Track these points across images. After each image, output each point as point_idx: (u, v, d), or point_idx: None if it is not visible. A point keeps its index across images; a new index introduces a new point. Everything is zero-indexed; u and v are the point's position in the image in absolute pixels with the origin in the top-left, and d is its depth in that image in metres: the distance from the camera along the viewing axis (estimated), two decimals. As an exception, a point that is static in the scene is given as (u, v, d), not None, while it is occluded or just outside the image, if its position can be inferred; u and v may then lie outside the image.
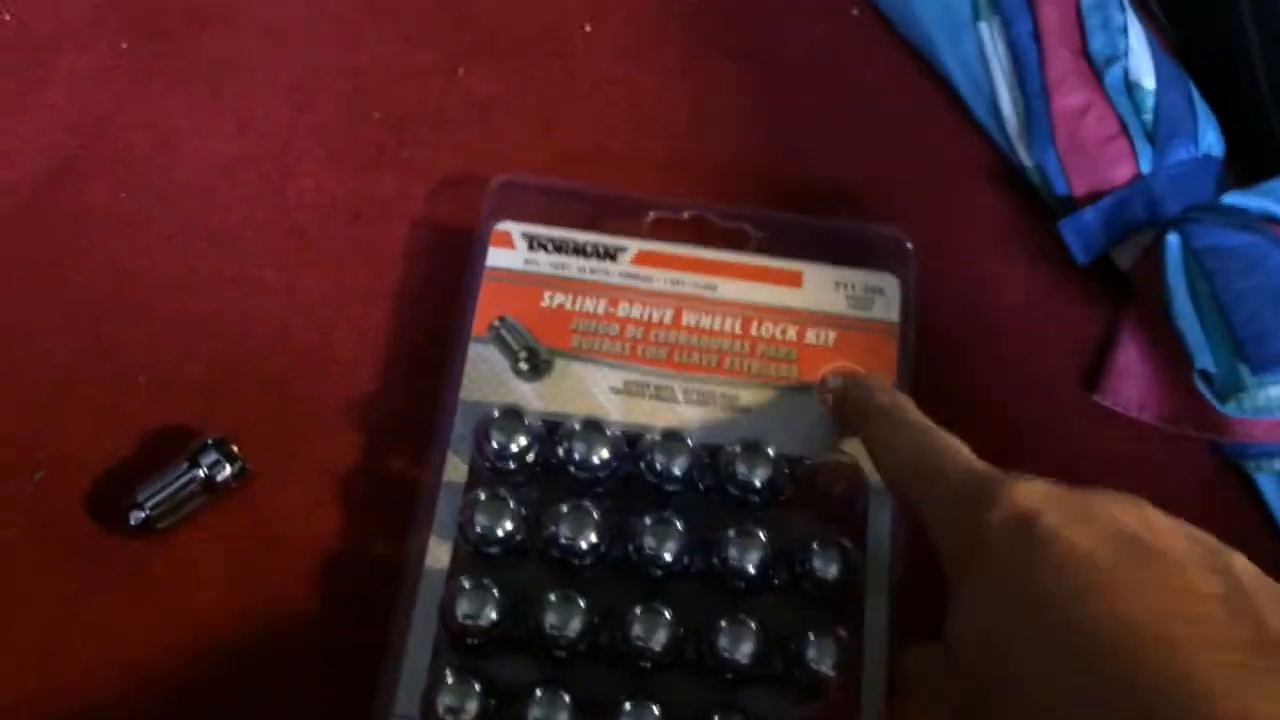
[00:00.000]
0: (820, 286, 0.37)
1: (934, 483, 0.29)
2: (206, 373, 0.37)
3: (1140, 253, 0.38)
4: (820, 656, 0.32)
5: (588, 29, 0.44)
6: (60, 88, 0.42)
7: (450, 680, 0.31)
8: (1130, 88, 0.38)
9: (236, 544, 0.35)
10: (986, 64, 0.40)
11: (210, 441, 0.35)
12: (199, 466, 0.34)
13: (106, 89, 0.42)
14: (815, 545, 0.33)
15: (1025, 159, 0.39)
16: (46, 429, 0.36)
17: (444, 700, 0.31)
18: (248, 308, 0.39)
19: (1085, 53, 0.39)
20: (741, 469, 0.33)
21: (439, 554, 0.33)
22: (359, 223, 0.40)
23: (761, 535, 0.33)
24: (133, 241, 0.39)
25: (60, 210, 0.40)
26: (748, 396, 0.36)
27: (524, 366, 0.36)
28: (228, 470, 0.34)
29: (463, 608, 0.32)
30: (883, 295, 0.37)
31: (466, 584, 0.32)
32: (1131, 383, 0.37)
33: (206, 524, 0.35)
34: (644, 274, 0.37)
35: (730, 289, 0.37)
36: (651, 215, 0.39)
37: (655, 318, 0.37)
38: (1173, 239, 0.36)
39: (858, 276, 0.37)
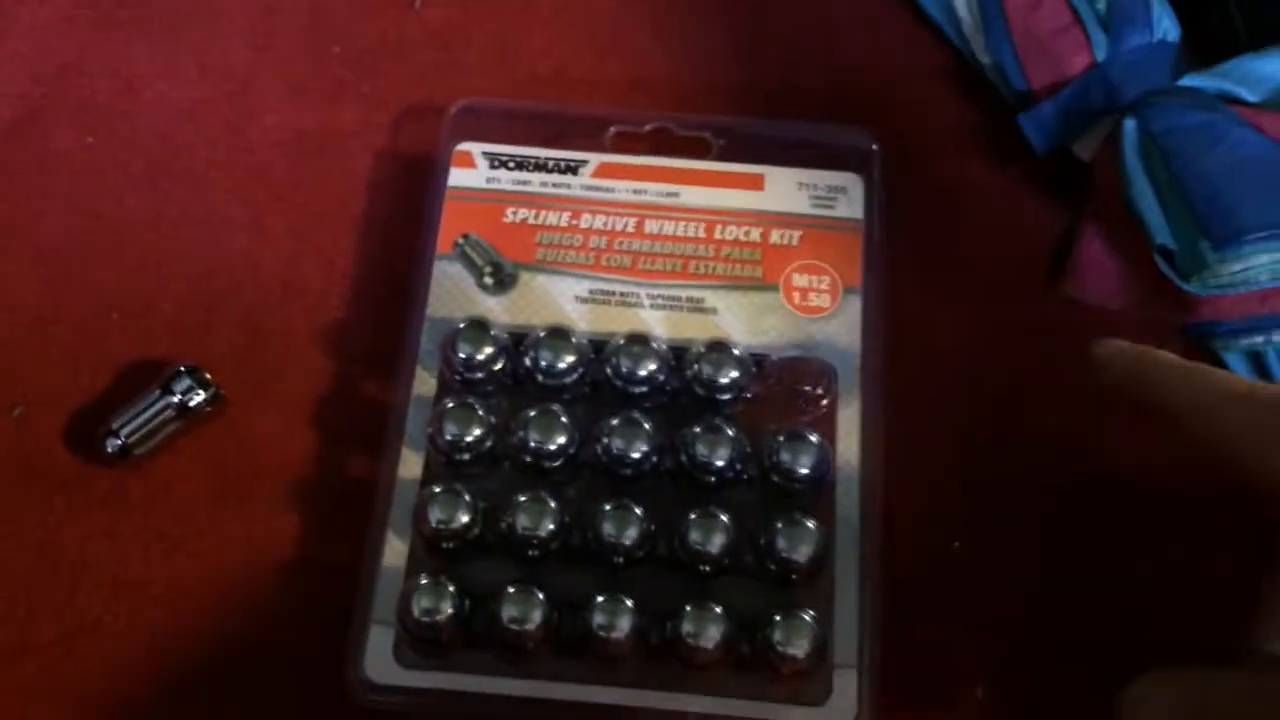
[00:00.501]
0: (783, 188, 0.37)
1: (1253, 406, 0.28)
2: (178, 308, 0.38)
3: (1100, 143, 0.37)
4: (790, 547, 0.32)
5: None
6: (21, 38, 0.42)
7: (425, 582, 0.31)
8: None
9: (214, 470, 0.35)
10: None
11: (183, 368, 0.35)
12: (172, 393, 0.35)
13: (67, 38, 0.42)
14: (782, 438, 0.33)
15: (983, 57, 0.39)
16: (21, 367, 0.37)
17: (420, 602, 0.31)
18: (216, 244, 0.39)
19: None
20: (707, 369, 0.34)
21: (411, 465, 0.34)
22: (323, 156, 0.40)
23: (729, 430, 0.33)
24: (100, 185, 0.40)
25: (27, 156, 0.40)
26: (714, 299, 0.36)
27: (489, 281, 0.36)
28: (201, 396, 0.35)
29: (435, 513, 0.32)
30: (846, 194, 0.37)
31: (438, 490, 0.32)
32: (1097, 273, 0.37)
33: (184, 450, 0.35)
34: (606, 185, 0.37)
35: (693, 195, 0.37)
36: (613, 130, 0.39)
37: (618, 227, 0.37)
38: (1129, 124, 0.36)
39: (820, 177, 0.37)
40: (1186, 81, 0.37)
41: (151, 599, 0.34)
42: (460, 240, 0.36)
